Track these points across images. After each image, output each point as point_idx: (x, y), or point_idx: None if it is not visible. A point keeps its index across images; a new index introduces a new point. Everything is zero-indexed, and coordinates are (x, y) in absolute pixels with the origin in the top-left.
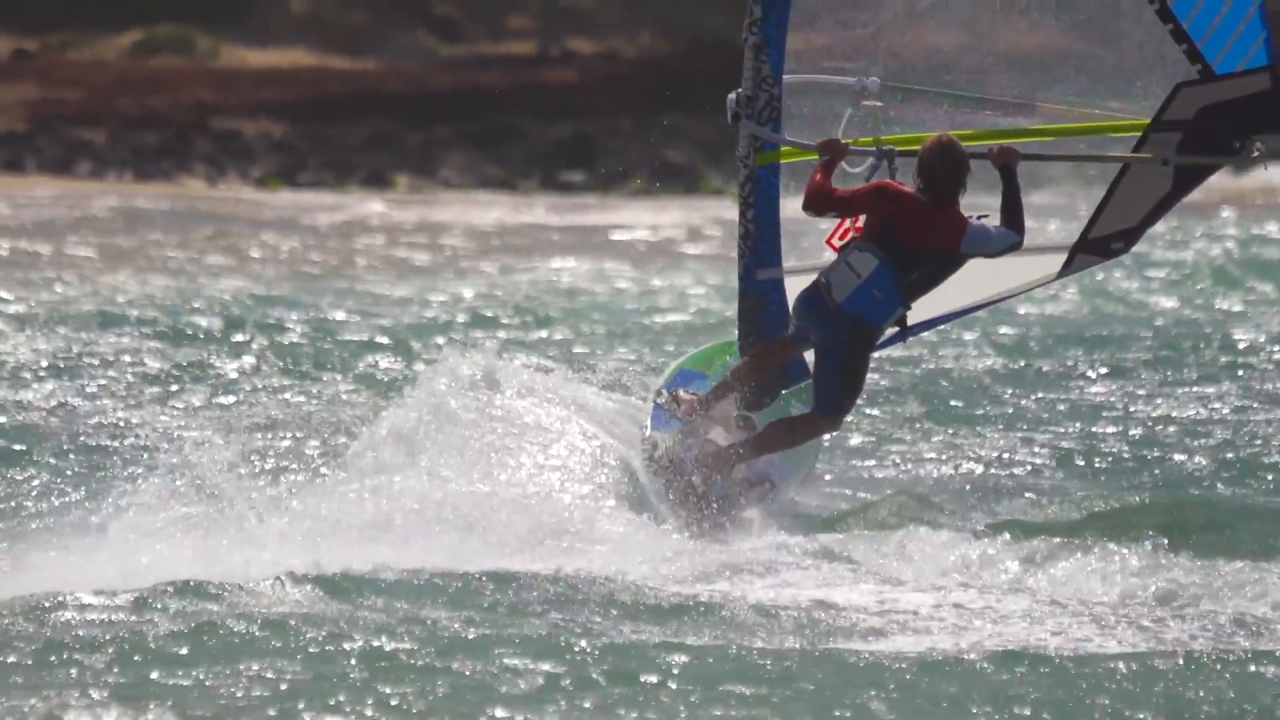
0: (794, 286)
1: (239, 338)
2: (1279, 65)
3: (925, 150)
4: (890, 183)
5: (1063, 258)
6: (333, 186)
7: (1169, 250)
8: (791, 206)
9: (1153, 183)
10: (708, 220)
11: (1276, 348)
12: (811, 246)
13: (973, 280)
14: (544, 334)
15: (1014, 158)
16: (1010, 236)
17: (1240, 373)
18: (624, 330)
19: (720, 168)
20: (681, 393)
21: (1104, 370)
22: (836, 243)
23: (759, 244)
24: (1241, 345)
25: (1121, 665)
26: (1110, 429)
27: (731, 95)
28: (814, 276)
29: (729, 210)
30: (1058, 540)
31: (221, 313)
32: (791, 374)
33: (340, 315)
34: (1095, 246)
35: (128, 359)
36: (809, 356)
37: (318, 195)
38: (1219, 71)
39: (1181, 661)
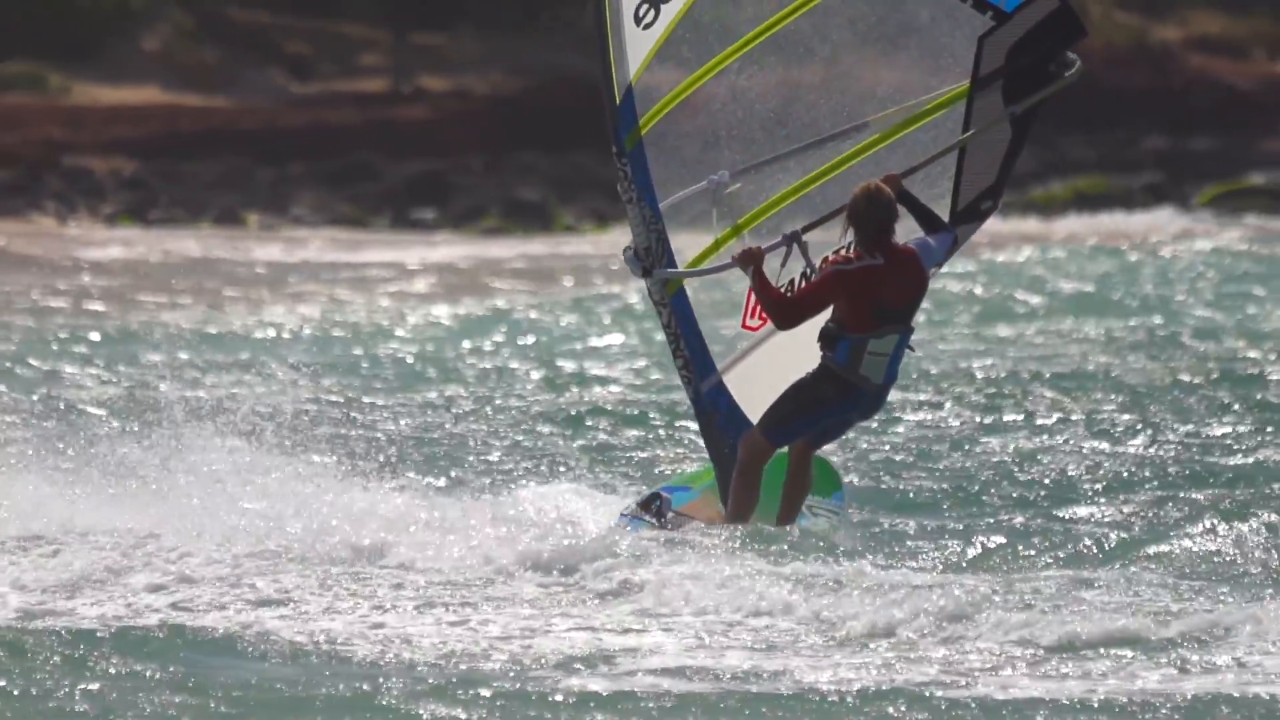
0: (733, 381)
1: None
2: None
3: (854, 203)
4: (840, 267)
5: None
6: (184, 224)
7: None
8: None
9: (995, 138)
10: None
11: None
12: (734, 335)
13: None
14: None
15: (897, 182)
16: (946, 239)
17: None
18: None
19: (571, 205)
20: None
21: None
22: (752, 322)
23: (696, 364)
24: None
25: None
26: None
27: (627, 250)
28: (743, 358)
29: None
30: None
31: None
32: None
33: None
34: (968, 215)
35: None
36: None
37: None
38: (1009, 9)
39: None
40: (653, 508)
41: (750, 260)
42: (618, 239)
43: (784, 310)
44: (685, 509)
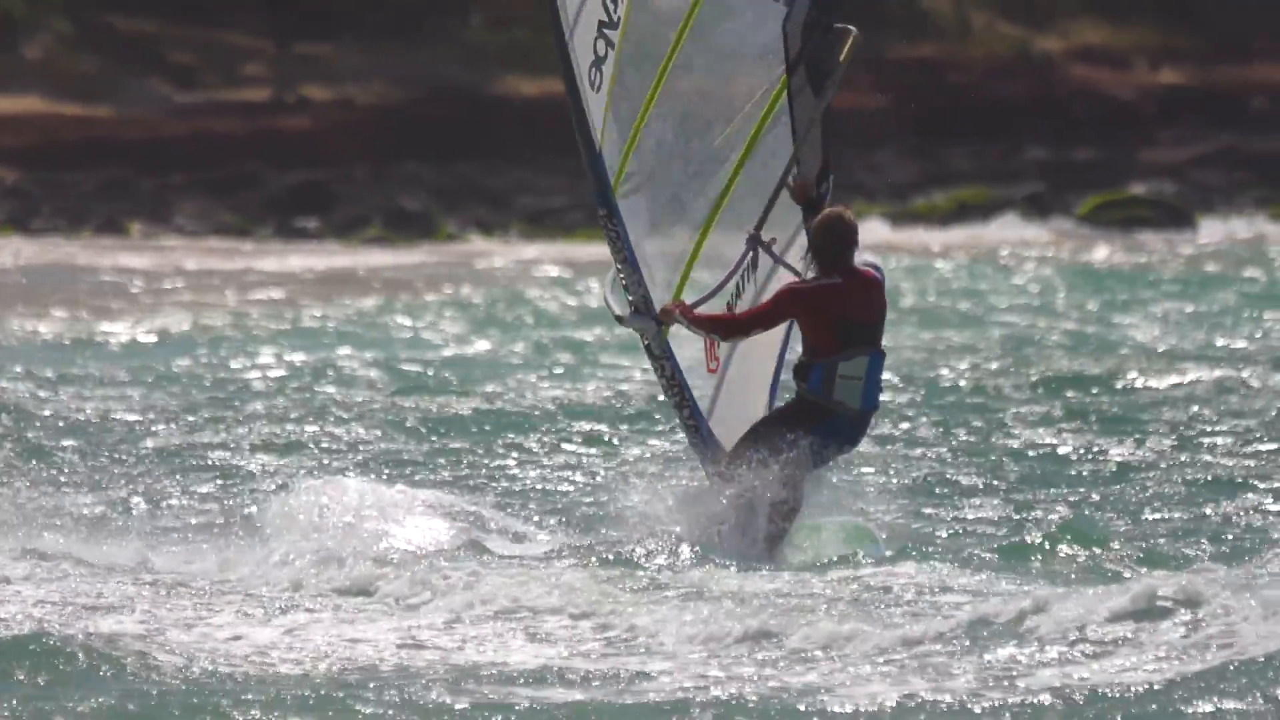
0: (717, 425)
1: None
2: None
3: (812, 236)
4: (795, 284)
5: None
6: (66, 233)
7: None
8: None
9: (808, 120)
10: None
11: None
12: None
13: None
14: None
15: (810, 188)
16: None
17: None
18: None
19: (455, 214)
20: None
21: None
22: (710, 365)
23: (697, 412)
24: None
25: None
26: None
27: (624, 315)
28: (715, 403)
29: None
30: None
31: None
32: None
33: None
34: (816, 204)
35: None
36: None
37: None
38: None
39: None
40: None
41: (673, 316)
42: (500, 248)
43: (730, 325)
44: None
